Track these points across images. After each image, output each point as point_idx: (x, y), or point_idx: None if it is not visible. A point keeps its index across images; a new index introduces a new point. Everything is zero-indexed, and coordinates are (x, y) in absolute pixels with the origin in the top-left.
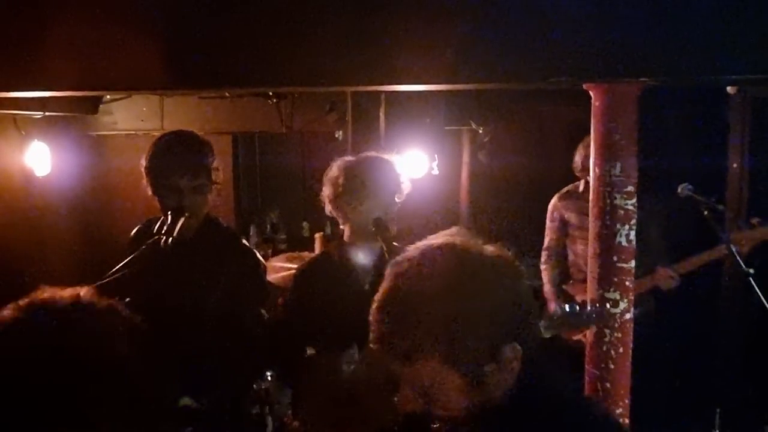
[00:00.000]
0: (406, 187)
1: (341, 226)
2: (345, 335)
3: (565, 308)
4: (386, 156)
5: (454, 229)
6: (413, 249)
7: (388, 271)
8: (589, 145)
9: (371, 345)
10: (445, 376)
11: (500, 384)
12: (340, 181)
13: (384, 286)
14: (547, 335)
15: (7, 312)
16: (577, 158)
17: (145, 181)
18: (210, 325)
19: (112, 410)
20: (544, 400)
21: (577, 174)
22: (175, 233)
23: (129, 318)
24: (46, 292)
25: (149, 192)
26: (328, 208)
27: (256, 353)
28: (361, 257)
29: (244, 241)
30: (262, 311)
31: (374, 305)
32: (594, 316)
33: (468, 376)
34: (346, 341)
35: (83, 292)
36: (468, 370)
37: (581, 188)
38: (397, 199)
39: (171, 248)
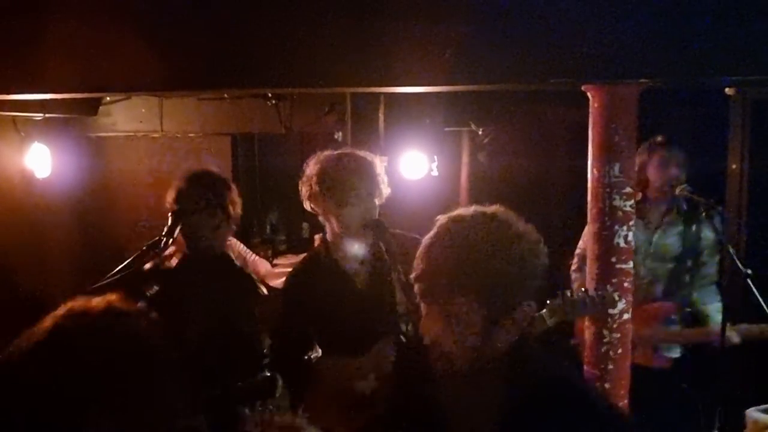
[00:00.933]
0: (386, 187)
1: (324, 223)
2: (344, 338)
3: (567, 295)
4: (364, 154)
5: (498, 206)
6: (466, 209)
7: (443, 219)
8: (642, 154)
9: (414, 282)
10: (472, 313)
11: (509, 333)
12: (319, 180)
13: (438, 231)
14: (551, 323)
15: (47, 321)
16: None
17: (169, 220)
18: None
19: (142, 407)
20: (538, 367)
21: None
22: (175, 234)
23: (155, 321)
24: (79, 301)
25: (173, 229)
26: (308, 206)
27: (255, 360)
28: (350, 255)
29: (251, 274)
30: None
31: (425, 244)
32: (595, 302)
33: (490, 317)
34: (346, 344)
35: (113, 298)
36: (493, 311)
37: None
38: (377, 199)
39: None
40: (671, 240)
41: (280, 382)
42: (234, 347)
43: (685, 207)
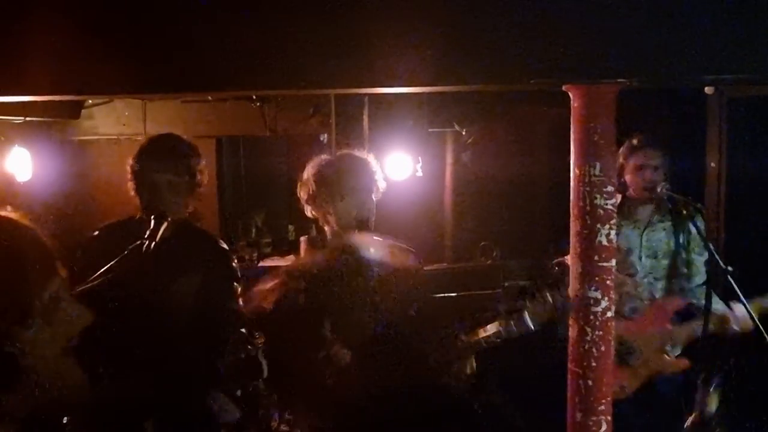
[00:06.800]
0: (382, 184)
1: (324, 227)
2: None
3: (548, 300)
4: (361, 154)
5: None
6: None
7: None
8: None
9: None
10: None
11: None
12: (317, 179)
13: None
14: (533, 327)
15: None
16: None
17: (129, 181)
18: (187, 324)
19: None
20: None
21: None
22: (157, 238)
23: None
24: None
25: (132, 192)
26: (308, 209)
27: (234, 348)
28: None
29: (220, 241)
30: (237, 307)
31: None
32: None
33: None
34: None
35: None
36: None
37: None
38: (374, 196)
39: (153, 251)
40: (661, 236)
41: (264, 363)
42: (208, 321)
43: (670, 204)
